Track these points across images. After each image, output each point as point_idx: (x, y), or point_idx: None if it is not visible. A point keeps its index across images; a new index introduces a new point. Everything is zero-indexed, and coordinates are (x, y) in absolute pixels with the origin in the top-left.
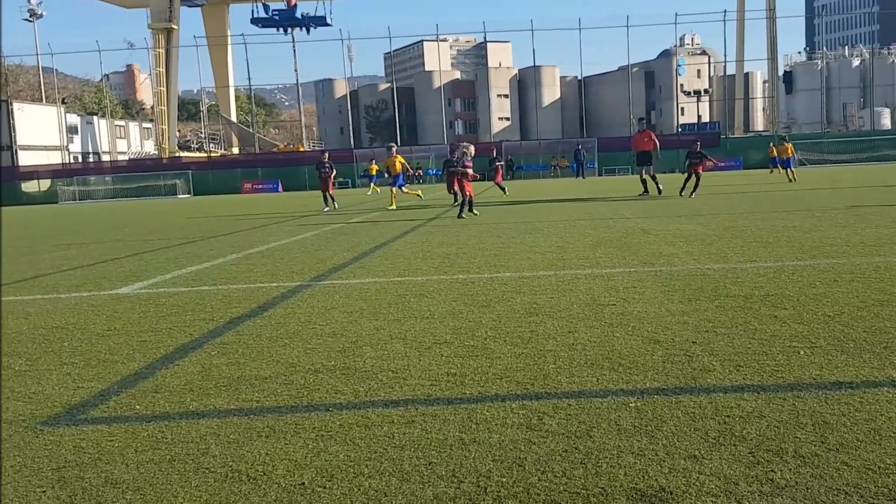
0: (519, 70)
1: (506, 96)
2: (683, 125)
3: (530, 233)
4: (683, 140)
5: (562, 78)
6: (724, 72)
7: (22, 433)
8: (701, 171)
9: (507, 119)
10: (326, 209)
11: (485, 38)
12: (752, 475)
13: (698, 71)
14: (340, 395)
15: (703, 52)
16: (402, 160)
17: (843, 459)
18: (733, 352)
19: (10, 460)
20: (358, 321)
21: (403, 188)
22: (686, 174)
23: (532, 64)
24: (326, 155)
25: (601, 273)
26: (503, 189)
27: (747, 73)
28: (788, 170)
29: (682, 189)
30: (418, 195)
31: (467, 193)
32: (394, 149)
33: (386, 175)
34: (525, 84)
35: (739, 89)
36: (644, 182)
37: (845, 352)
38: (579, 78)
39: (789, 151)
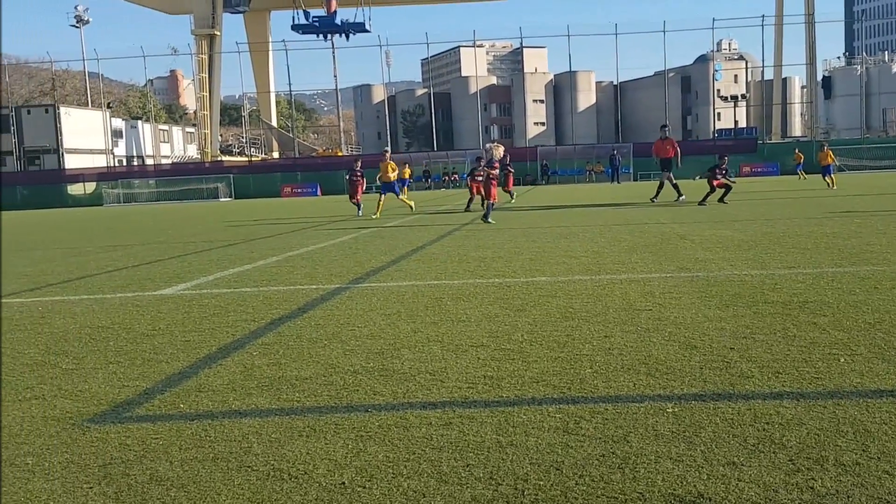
0: (555, 75)
1: (541, 101)
2: (720, 130)
3: (566, 237)
4: (720, 145)
5: (598, 83)
6: (762, 77)
7: (69, 430)
8: (720, 182)
9: (543, 124)
10: (361, 214)
11: (521, 43)
12: (792, 483)
13: (735, 76)
14: (379, 396)
15: (741, 57)
16: (395, 166)
17: (885, 468)
18: (772, 358)
19: (59, 457)
20: (395, 323)
21: (400, 195)
22: (709, 185)
23: (568, 69)
24: (359, 163)
25: (637, 278)
26: (511, 194)
27: (785, 79)
28: (828, 176)
29: (703, 200)
30: (411, 207)
31: (492, 198)
32: (387, 154)
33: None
34: (561, 89)
35: (777, 94)
36: (676, 186)
37: (886, 359)
38: (615, 83)
39: (829, 158)
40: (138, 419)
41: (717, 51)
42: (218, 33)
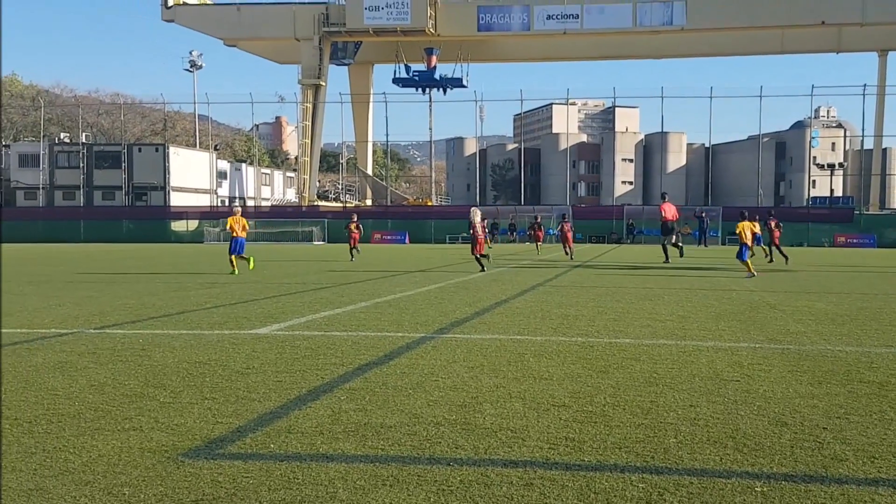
0: (646, 135)
1: (630, 160)
2: (814, 198)
3: (650, 299)
4: (813, 213)
5: (689, 145)
6: (861, 146)
7: (164, 463)
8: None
9: (631, 183)
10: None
11: (614, 102)
12: None
13: (833, 144)
14: (461, 450)
15: (839, 125)
16: (245, 222)
17: None
18: (867, 442)
19: (153, 489)
20: (478, 377)
21: (241, 254)
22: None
23: (660, 129)
24: (355, 216)
25: (724, 346)
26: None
27: (886, 149)
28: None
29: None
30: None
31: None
32: (238, 210)
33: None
34: (651, 149)
35: (877, 165)
36: (666, 248)
37: None
38: (707, 145)
39: (756, 229)
40: (230, 456)
41: (815, 118)
42: (323, 84)
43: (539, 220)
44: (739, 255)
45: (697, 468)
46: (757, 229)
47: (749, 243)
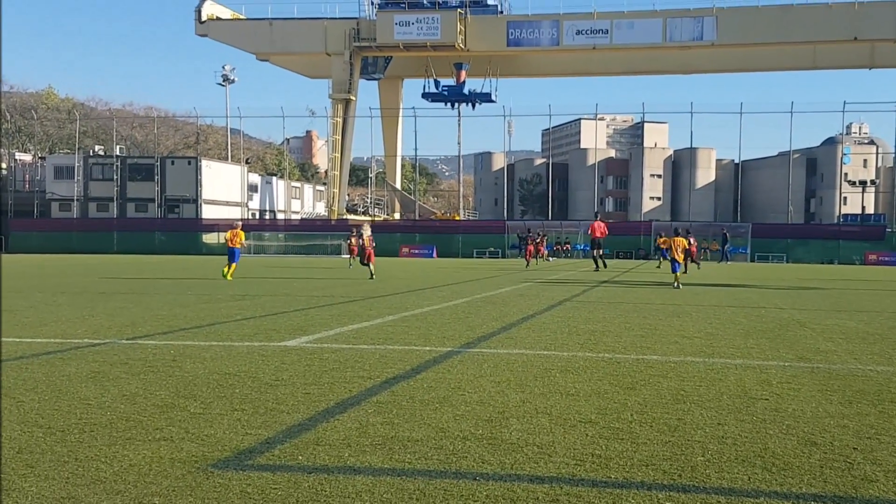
0: (674, 151)
1: (659, 176)
2: (845, 215)
3: (678, 316)
4: (844, 231)
5: (718, 161)
6: (894, 163)
7: (194, 474)
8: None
9: (659, 199)
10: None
11: (643, 118)
12: None
13: (865, 161)
14: (487, 465)
15: (871, 142)
16: (243, 235)
17: None
18: None
19: (183, 499)
20: (505, 392)
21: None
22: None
23: (689, 145)
24: (355, 230)
25: (753, 364)
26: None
27: None
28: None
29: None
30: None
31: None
32: (239, 224)
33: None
34: (679, 165)
35: None
36: (596, 260)
37: None
38: (736, 161)
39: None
40: (259, 468)
41: (847, 134)
42: (353, 98)
43: (529, 231)
44: (672, 268)
45: (725, 487)
46: (687, 244)
47: (679, 258)
